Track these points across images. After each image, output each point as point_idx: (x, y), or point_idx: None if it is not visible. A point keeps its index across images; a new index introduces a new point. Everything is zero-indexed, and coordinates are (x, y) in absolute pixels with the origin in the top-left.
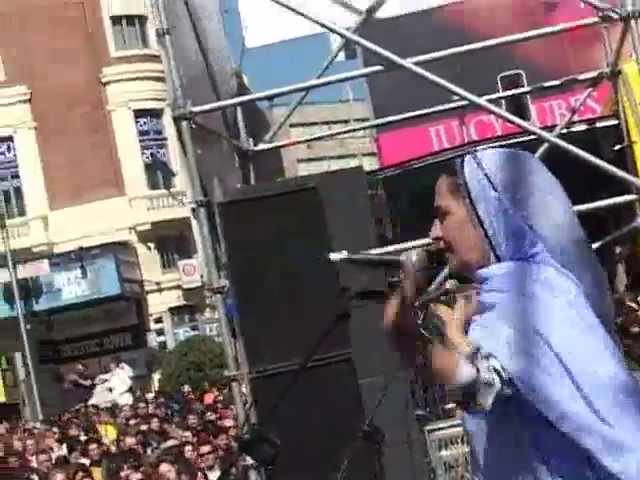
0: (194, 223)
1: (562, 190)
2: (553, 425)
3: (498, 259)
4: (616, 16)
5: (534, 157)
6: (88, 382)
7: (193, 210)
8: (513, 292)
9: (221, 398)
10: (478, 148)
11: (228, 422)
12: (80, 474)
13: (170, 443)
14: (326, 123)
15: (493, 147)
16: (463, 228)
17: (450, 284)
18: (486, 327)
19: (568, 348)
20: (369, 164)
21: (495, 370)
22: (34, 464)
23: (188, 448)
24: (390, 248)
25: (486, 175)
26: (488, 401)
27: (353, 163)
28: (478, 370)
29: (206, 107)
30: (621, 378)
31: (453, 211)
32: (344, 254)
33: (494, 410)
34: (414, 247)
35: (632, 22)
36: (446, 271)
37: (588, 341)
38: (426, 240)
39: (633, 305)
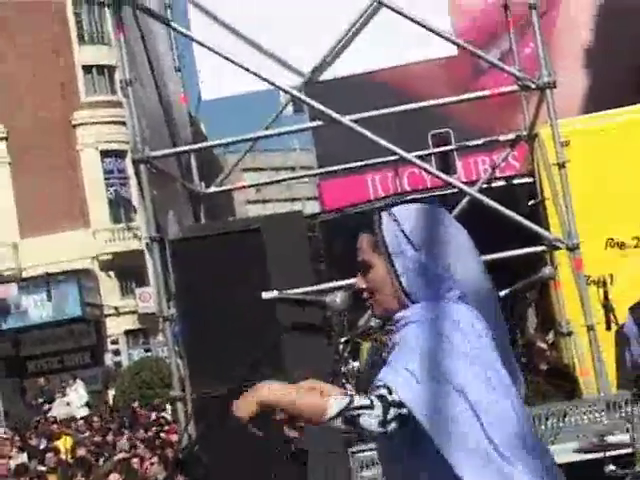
0: (148, 256)
1: (471, 241)
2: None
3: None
4: (533, 85)
5: (445, 211)
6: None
7: (147, 244)
8: (419, 322)
9: (167, 416)
10: (394, 203)
11: (174, 437)
12: None
13: (121, 456)
14: (275, 169)
15: (406, 202)
16: (384, 280)
17: (374, 322)
18: (390, 363)
19: (467, 381)
20: (312, 208)
21: (380, 396)
22: None
23: (135, 460)
24: (322, 286)
25: (402, 231)
26: (372, 424)
27: (297, 206)
28: (352, 399)
29: (163, 152)
30: (514, 418)
31: (375, 265)
32: (275, 293)
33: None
34: (341, 287)
35: (547, 92)
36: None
37: (486, 378)
38: (354, 280)
39: (542, 345)
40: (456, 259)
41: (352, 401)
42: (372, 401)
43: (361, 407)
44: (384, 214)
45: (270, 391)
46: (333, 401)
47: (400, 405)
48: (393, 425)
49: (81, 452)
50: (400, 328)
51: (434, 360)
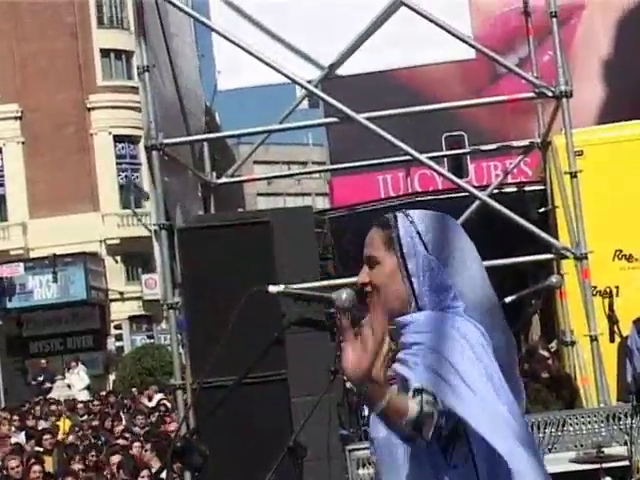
0: (155, 243)
1: (476, 251)
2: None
3: (419, 309)
4: (550, 93)
5: (455, 221)
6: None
7: (155, 232)
8: (431, 332)
9: (167, 403)
10: (408, 207)
11: (172, 426)
12: (33, 461)
13: (120, 442)
14: (286, 163)
15: (420, 208)
16: (392, 278)
17: None
18: (407, 362)
19: (475, 388)
20: (322, 203)
21: (430, 403)
22: None
23: (136, 444)
24: (329, 282)
25: (418, 233)
26: (429, 433)
27: (308, 201)
28: (421, 406)
29: (176, 140)
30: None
31: (384, 262)
32: (281, 287)
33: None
34: (347, 284)
35: (564, 100)
36: None
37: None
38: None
39: (544, 353)
40: (462, 270)
41: (422, 408)
42: (433, 412)
43: (426, 415)
44: (400, 214)
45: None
46: (412, 405)
47: (445, 413)
48: (443, 431)
49: (71, 438)
50: (407, 333)
51: (455, 363)
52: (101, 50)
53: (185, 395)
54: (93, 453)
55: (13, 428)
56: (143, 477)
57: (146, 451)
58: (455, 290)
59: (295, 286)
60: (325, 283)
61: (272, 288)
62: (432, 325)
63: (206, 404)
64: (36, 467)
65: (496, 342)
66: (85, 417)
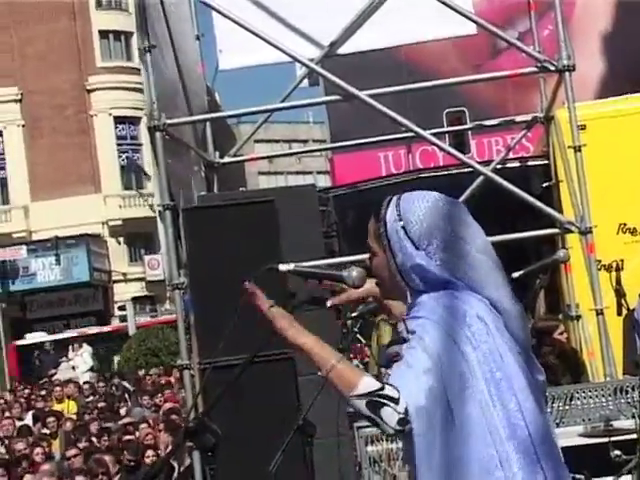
0: (160, 224)
1: (480, 232)
2: None
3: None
4: (552, 68)
5: (455, 203)
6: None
7: (159, 212)
8: (431, 321)
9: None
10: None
11: (168, 405)
12: (40, 443)
13: (125, 420)
14: (287, 141)
15: (422, 186)
16: (384, 270)
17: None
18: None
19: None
20: (323, 181)
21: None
22: None
23: (143, 426)
24: (335, 260)
25: (403, 228)
26: (392, 419)
27: (309, 179)
28: (384, 386)
29: (179, 120)
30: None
31: (377, 254)
32: (291, 266)
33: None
34: (353, 262)
35: (566, 74)
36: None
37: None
38: (367, 255)
39: (560, 337)
40: (459, 258)
41: (383, 388)
42: (399, 397)
43: (389, 397)
44: (391, 204)
45: (306, 338)
46: (366, 379)
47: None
48: (410, 426)
49: (68, 425)
50: (413, 317)
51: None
52: (100, 32)
53: (193, 375)
54: (105, 437)
55: (21, 410)
56: (148, 457)
57: (160, 431)
58: (454, 279)
59: (302, 264)
60: (330, 261)
61: (283, 266)
62: (434, 311)
63: (214, 384)
64: (38, 449)
65: (511, 314)
66: (90, 398)
